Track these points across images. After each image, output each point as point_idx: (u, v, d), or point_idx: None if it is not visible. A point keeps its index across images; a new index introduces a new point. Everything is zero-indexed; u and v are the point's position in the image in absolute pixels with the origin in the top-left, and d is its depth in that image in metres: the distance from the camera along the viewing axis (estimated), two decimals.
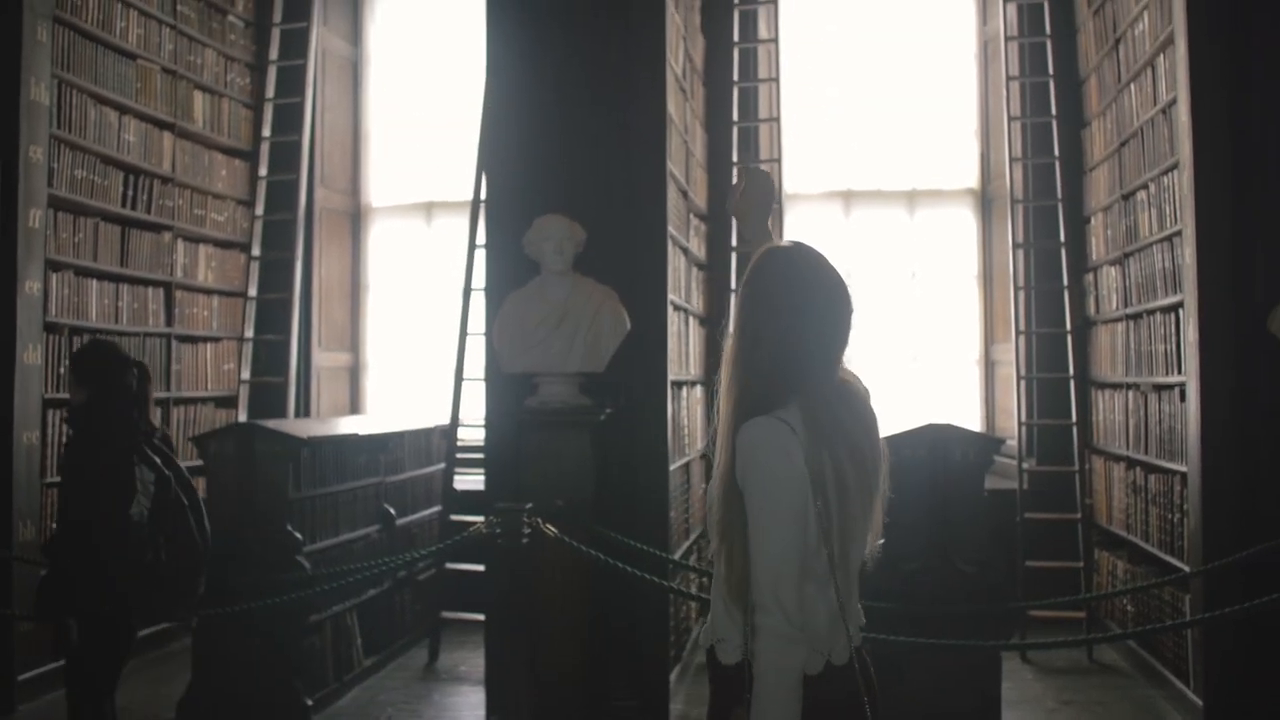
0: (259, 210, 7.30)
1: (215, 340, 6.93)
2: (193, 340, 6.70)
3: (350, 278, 8.15)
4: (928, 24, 7.80)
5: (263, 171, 7.30)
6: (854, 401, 2.03)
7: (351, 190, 8.16)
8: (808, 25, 7.82)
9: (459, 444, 6.44)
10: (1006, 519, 6.16)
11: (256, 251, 7.27)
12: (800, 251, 2.07)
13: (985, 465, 4.62)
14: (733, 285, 6.89)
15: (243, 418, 6.95)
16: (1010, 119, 6.93)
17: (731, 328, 2.06)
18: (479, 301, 6.08)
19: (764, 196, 2.48)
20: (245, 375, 7.13)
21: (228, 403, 6.99)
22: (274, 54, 7.40)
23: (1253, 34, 4.71)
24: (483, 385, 5.21)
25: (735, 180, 2.54)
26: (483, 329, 5.21)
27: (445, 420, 6.51)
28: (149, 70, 6.28)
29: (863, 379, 2.11)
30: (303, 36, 7.44)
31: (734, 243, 7.01)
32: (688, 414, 5.95)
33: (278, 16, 7.41)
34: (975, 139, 7.68)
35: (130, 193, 6.13)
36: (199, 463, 5.10)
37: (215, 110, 6.97)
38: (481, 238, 6.28)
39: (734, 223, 7.03)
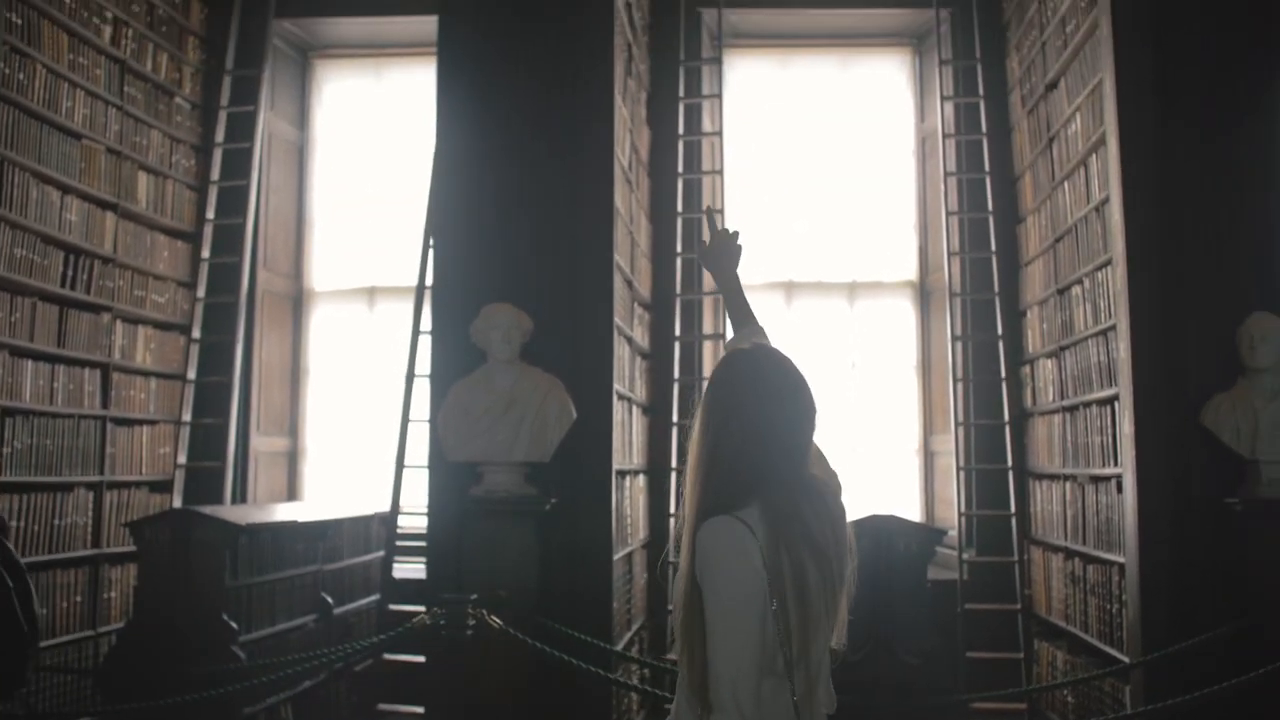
0: (200, 292, 7.23)
1: (152, 423, 6.80)
2: (129, 423, 6.57)
3: (291, 362, 8.07)
4: (868, 120, 8.00)
5: (205, 253, 7.25)
6: (821, 499, 2.04)
7: (294, 274, 8.12)
8: (752, 119, 7.98)
9: (398, 531, 6.37)
10: (948, 610, 6.18)
11: (197, 334, 7.18)
12: (762, 354, 2.12)
13: (927, 556, 4.67)
14: (676, 374, 6.94)
15: (178, 503, 6.80)
16: (948, 214, 7.10)
17: (696, 428, 2.09)
18: (422, 388, 6.05)
19: (728, 248, 2.56)
20: (181, 460, 7.00)
21: (163, 487, 6.85)
22: (220, 137, 7.40)
23: (1182, 135, 4.89)
24: (424, 472, 5.17)
25: (703, 233, 2.61)
26: (425, 416, 5.18)
27: (385, 507, 6.44)
28: (94, 150, 6.24)
29: (837, 474, 2.14)
30: (250, 120, 7.46)
31: (677, 332, 7.06)
32: (630, 504, 5.94)
33: (225, 100, 7.43)
34: (914, 233, 7.84)
35: (70, 273, 6.05)
36: (133, 548, 4.98)
37: (159, 191, 6.93)
38: (426, 324, 6.28)
39: (678, 307, 7.11)
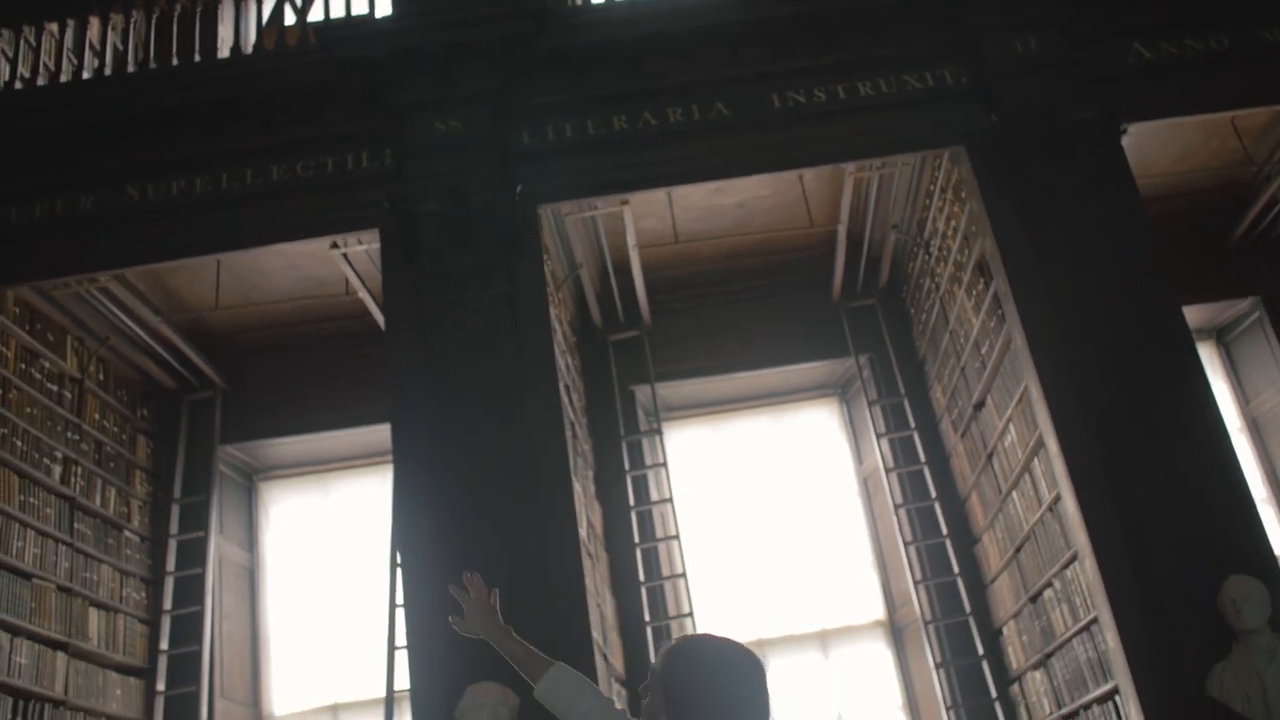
0: None
1: None
2: None
3: None
4: (809, 469, 8.17)
5: (160, 686, 6.95)
6: None
7: (252, 700, 7.77)
8: (698, 483, 8.11)
9: None
10: None
11: None
12: (712, 640, 2.16)
13: None
14: None
15: None
16: (905, 544, 7.17)
17: (644, 714, 2.11)
18: None
19: (484, 609, 2.51)
20: None
21: None
22: (171, 565, 7.30)
23: (1114, 419, 5.05)
24: None
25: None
26: None
27: None
28: (44, 589, 6.12)
29: None
30: (200, 547, 7.39)
31: None
32: None
33: (174, 528, 7.40)
34: (874, 570, 7.85)
35: (18, 719, 5.75)
36: None
37: (110, 627, 6.73)
38: None
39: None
